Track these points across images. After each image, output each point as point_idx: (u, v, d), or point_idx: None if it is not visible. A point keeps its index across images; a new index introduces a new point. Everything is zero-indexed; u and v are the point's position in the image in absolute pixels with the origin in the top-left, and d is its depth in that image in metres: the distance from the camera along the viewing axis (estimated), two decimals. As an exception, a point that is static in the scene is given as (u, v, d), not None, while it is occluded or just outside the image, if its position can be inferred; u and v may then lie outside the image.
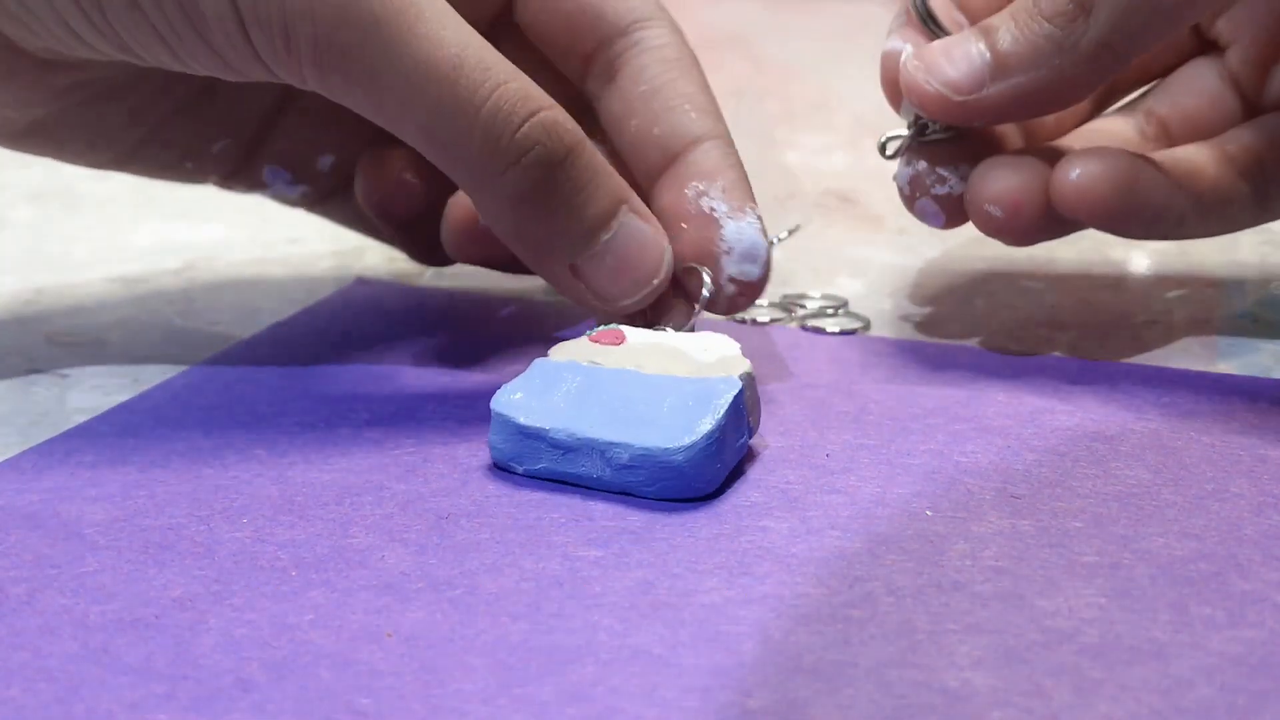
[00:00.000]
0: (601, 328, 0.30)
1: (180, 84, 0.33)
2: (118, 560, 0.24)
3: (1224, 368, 0.35)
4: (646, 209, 0.31)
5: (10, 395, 0.33)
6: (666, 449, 0.26)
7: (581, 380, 0.28)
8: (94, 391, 0.33)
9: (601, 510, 0.26)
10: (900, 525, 0.26)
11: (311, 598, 0.23)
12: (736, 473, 0.28)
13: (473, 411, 0.31)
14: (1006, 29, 0.30)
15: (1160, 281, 0.42)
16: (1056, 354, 0.36)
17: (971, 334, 0.37)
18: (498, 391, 0.28)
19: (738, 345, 0.29)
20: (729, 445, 0.27)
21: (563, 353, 0.29)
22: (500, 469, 0.28)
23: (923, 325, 0.38)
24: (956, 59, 0.31)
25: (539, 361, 0.29)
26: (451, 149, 0.29)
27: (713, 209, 0.31)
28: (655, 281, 0.31)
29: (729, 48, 0.69)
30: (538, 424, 0.27)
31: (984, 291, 0.41)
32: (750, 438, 0.29)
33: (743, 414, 0.28)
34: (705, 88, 0.32)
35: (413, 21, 0.28)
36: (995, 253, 0.40)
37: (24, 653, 0.22)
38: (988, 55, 0.30)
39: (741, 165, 0.32)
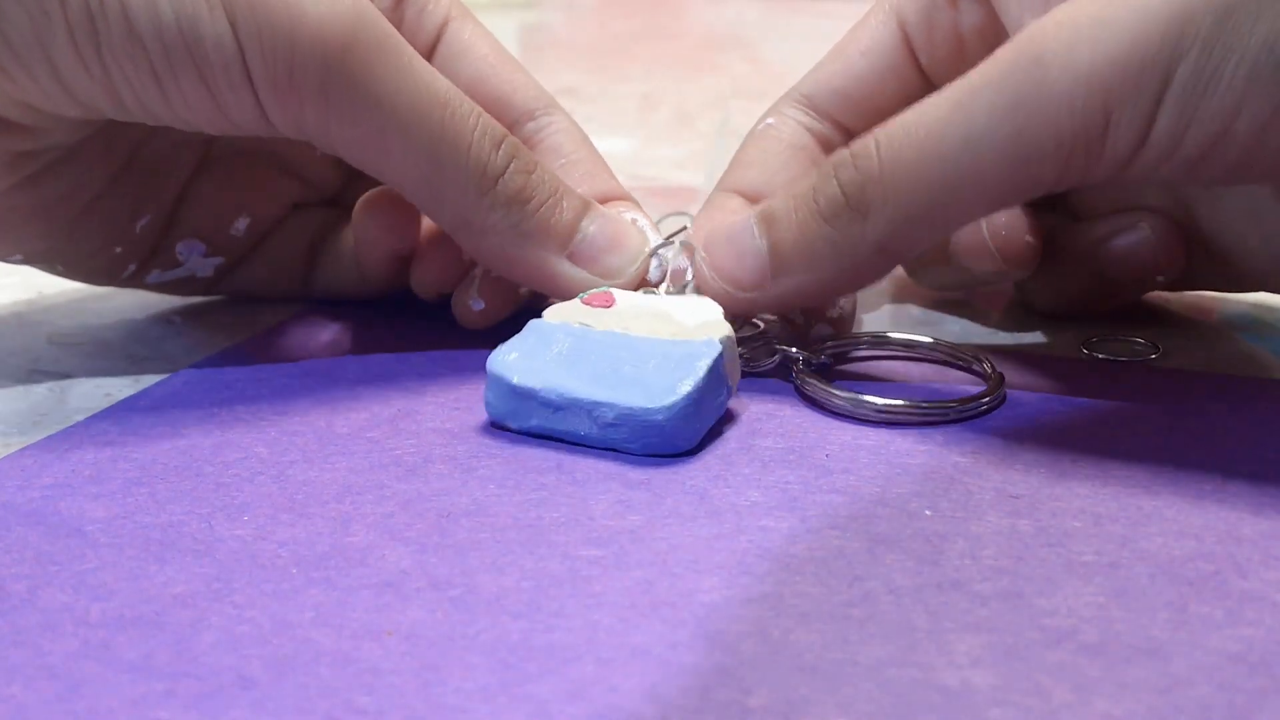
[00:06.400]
0: (594, 290, 0.32)
1: (109, 156, 0.34)
2: (118, 557, 0.24)
3: (1223, 367, 0.35)
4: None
5: (11, 396, 0.33)
6: (648, 409, 0.28)
7: (572, 342, 0.30)
8: (95, 392, 0.33)
9: (602, 510, 0.26)
10: (900, 525, 0.26)
11: (312, 596, 0.23)
12: (736, 472, 0.28)
13: (473, 412, 0.31)
14: (788, 224, 0.31)
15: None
16: (1057, 354, 0.36)
17: (969, 335, 0.38)
18: (494, 351, 0.30)
19: (720, 309, 0.31)
20: (708, 404, 0.29)
21: (557, 314, 0.31)
22: (497, 427, 0.30)
23: (920, 326, 0.38)
24: (743, 254, 0.32)
25: (534, 323, 0.31)
26: (449, 172, 0.32)
27: (635, 220, 0.35)
28: (647, 248, 0.34)
29: (729, 48, 0.69)
30: (529, 384, 0.29)
31: (982, 292, 0.41)
32: (730, 397, 0.30)
33: (722, 375, 0.29)
34: (605, 162, 0.37)
35: (411, 56, 0.31)
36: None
37: (25, 650, 0.22)
38: (767, 252, 0.31)
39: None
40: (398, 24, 0.35)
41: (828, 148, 0.36)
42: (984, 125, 0.28)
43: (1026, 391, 0.33)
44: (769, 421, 0.31)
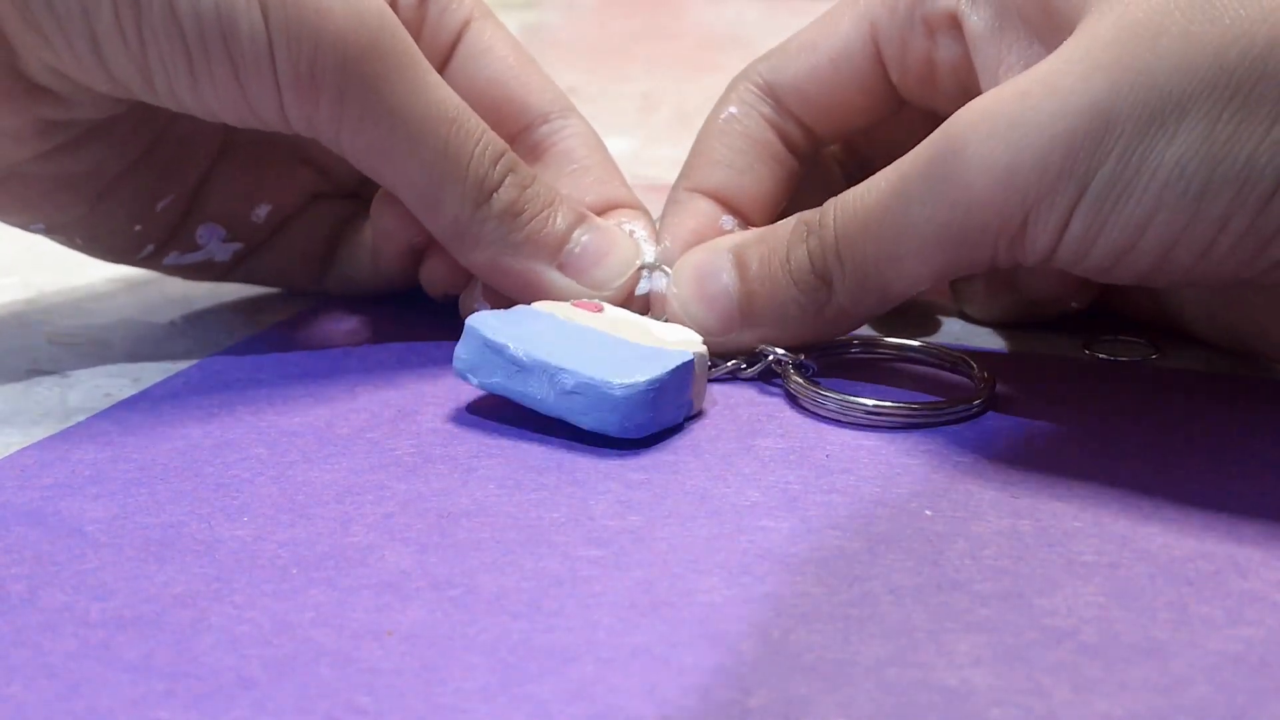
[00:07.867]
0: (586, 300, 0.33)
1: (138, 135, 0.34)
2: (118, 558, 0.24)
3: (1224, 368, 0.35)
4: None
5: (12, 396, 0.33)
6: (609, 382, 0.29)
7: (553, 324, 0.31)
8: (95, 392, 0.33)
9: (602, 510, 0.26)
10: (900, 525, 0.26)
11: (312, 596, 0.23)
12: (736, 472, 0.28)
13: (473, 413, 0.31)
14: (761, 277, 0.32)
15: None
16: (1057, 354, 0.36)
17: (971, 335, 0.38)
18: (476, 312, 0.31)
19: (700, 337, 0.32)
20: (666, 404, 0.29)
21: (545, 307, 0.32)
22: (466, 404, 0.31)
23: (920, 328, 0.38)
24: (714, 296, 0.33)
25: (521, 306, 0.32)
26: (448, 185, 0.32)
27: (632, 231, 0.35)
28: (638, 262, 0.34)
29: (729, 48, 0.69)
30: (500, 340, 0.30)
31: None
32: (689, 414, 0.30)
33: (686, 385, 0.30)
34: (618, 168, 0.37)
35: (426, 70, 0.32)
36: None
37: (25, 650, 0.22)
38: (736, 297, 0.32)
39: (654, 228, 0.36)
40: (420, 22, 0.36)
41: (790, 144, 0.36)
42: (916, 213, 0.28)
43: (1027, 392, 0.32)
44: (769, 422, 0.31)
